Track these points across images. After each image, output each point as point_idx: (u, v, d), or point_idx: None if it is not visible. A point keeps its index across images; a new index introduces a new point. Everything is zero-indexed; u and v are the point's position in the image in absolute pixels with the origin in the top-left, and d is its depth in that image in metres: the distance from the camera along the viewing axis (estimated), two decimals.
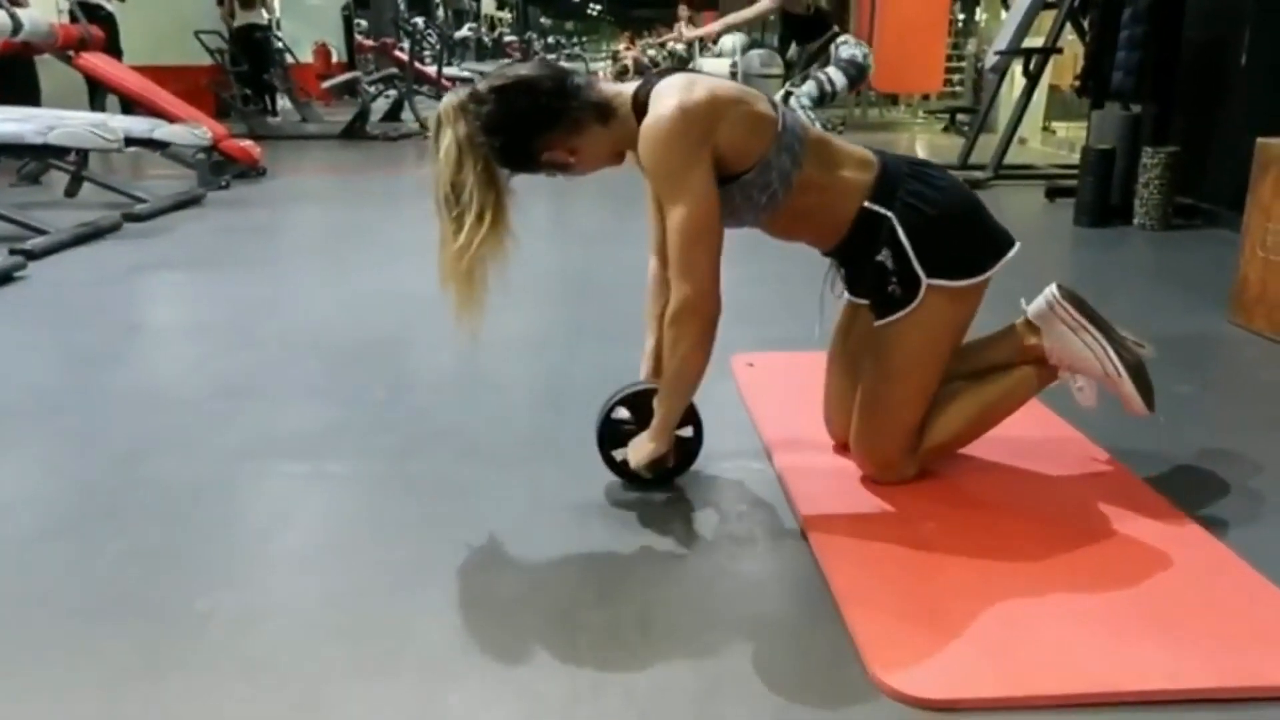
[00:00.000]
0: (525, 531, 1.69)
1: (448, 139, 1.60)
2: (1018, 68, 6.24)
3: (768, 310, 3.05)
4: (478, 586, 1.52)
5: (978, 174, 5.78)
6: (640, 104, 1.65)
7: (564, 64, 1.75)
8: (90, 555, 1.61)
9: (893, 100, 11.70)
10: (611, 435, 1.84)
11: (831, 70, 5.57)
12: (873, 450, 1.81)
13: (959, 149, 6.53)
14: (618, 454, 1.82)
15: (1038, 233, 4.45)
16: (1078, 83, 5.27)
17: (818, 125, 5.82)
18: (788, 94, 5.65)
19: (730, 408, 2.24)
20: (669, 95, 1.60)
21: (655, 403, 1.75)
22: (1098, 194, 4.52)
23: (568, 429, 2.09)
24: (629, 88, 1.70)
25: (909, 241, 1.67)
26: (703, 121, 1.59)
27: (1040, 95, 7.16)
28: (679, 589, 1.51)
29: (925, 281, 1.67)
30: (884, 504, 1.75)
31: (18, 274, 3.49)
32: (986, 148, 6.10)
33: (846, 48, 5.60)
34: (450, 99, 1.64)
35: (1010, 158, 5.88)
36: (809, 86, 5.58)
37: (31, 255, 3.68)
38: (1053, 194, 5.21)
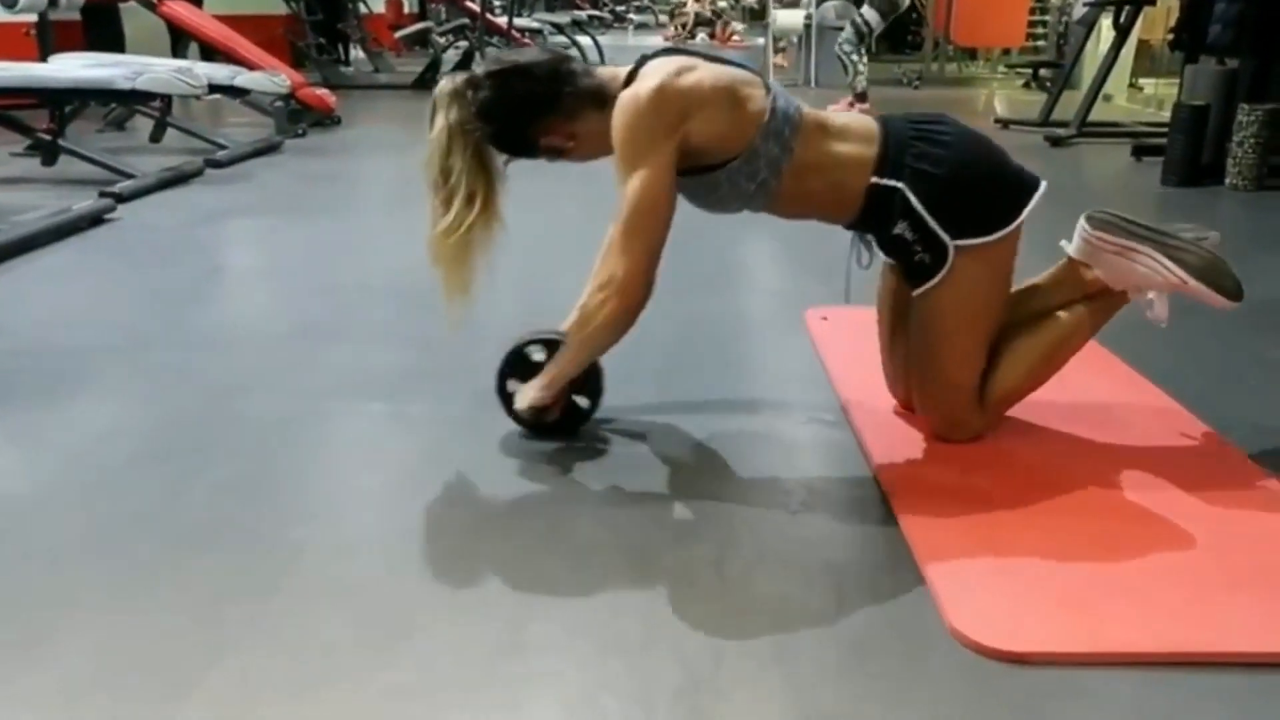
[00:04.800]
0: (600, 475, 1.72)
1: (439, 124, 1.64)
2: (1106, 20, 6.01)
3: (842, 265, 3.01)
4: (555, 526, 1.55)
5: (1060, 131, 5.61)
6: (631, 84, 1.65)
7: (563, 51, 1.79)
8: (185, 485, 1.68)
9: (971, 55, 11.35)
10: (516, 367, 1.83)
11: (865, 10, 5.67)
12: (936, 412, 1.79)
13: (1040, 105, 6.34)
14: (511, 385, 1.81)
15: (1123, 192, 4.32)
16: (1171, 35, 5.07)
17: (863, 71, 5.80)
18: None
19: (804, 361, 2.24)
20: (652, 75, 1.61)
21: (556, 355, 1.75)
22: (1188, 152, 4.36)
23: (641, 377, 2.10)
24: (624, 70, 1.69)
25: (925, 209, 1.62)
26: (677, 106, 1.59)
27: (1129, 49, 6.89)
28: (754, 535, 1.53)
29: (951, 245, 1.63)
30: (961, 460, 1.73)
31: (108, 216, 3.60)
32: (1069, 104, 5.91)
33: None
34: (446, 84, 1.67)
35: (1095, 115, 5.70)
36: (848, 32, 5.77)
37: (120, 198, 3.80)
38: (1140, 152, 5.04)
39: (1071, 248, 1.78)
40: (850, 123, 1.70)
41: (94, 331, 2.47)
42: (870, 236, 1.80)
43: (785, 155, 1.64)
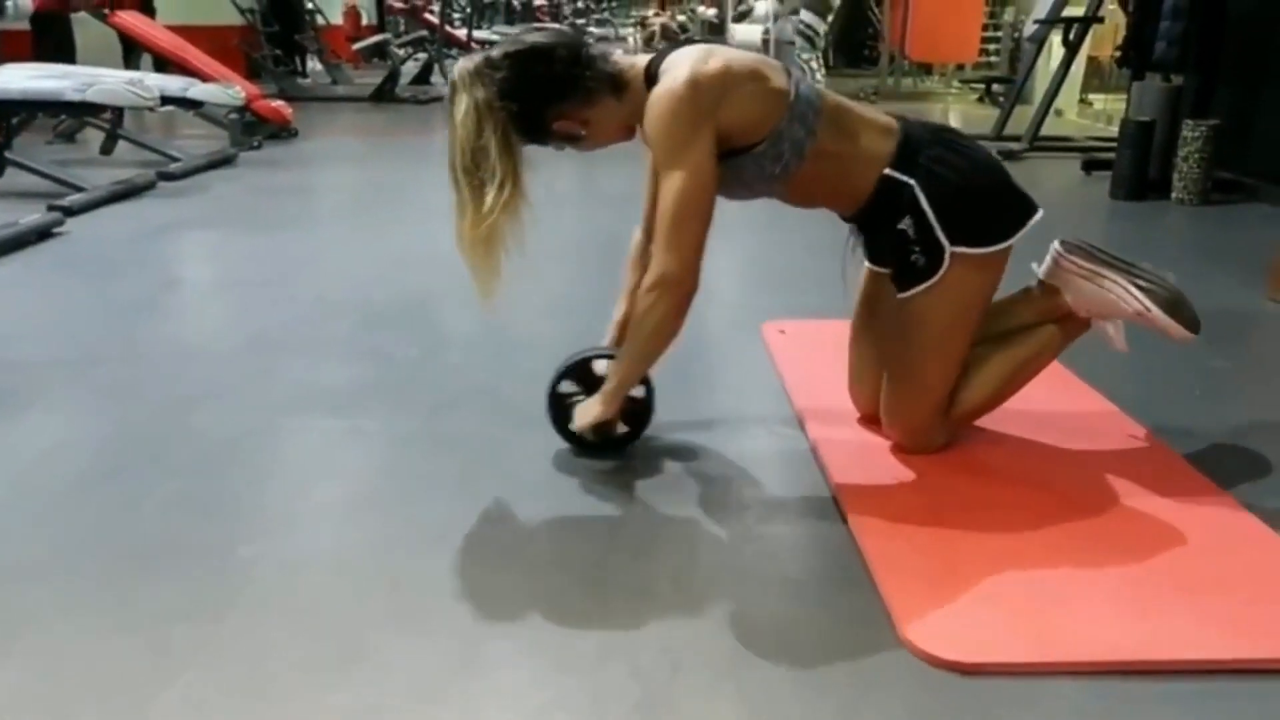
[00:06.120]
0: (556, 490, 1.71)
1: (465, 104, 1.58)
2: (1056, 37, 6.14)
3: (800, 278, 3.04)
4: (510, 542, 1.55)
5: (1013, 145, 5.71)
6: (652, 75, 1.64)
7: (584, 31, 1.74)
8: (135, 502, 1.65)
9: (926, 70, 11.52)
10: (560, 410, 1.82)
11: (804, 14, 5.77)
12: (903, 420, 1.81)
13: (993, 120, 6.45)
14: (574, 426, 1.80)
15: (1073, 206, 4.39)
16: (1119, 53, 5.19)
17: (820, 73, 5.89)
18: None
19: (762, 374, 2.25)
20: (681, 65, 1.59)
21: (610, 367, 1.75)
22: (1135, 167, 4.45)
23: None
24: (642, 59, 1.69)
25: (931, 209, 1.65)
26: (712, 94, 1.58)
27: (1079, 66, 7.03)
28: (711, 550, 1.53)
29: (949, 250, 1.66)
30: (915, 472, 1.75)
31: (57, 230, 3.54)
32: (1022, 119, 6.02)
33: None
34: (465, 63, 1.62)
35: (1046, 130, 5.81)
36: (800, 42, 5.84)
37: (69, 211, 3.73)
38: (1089, 167, 5.14)
39: (1042, 269, 1.83)
40: (869, 113, 1.73)
41: (42, 346, 2.42)
42: (863, 239, 1.83)
43: (809, 139, 1.64)
